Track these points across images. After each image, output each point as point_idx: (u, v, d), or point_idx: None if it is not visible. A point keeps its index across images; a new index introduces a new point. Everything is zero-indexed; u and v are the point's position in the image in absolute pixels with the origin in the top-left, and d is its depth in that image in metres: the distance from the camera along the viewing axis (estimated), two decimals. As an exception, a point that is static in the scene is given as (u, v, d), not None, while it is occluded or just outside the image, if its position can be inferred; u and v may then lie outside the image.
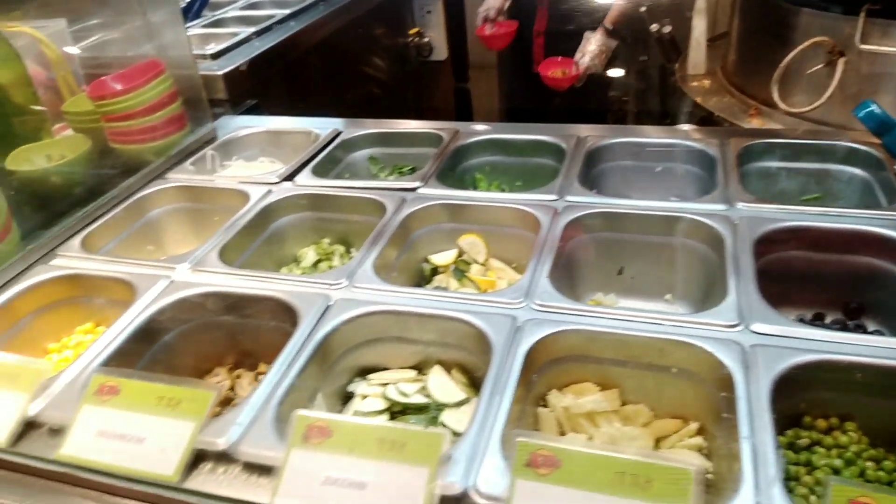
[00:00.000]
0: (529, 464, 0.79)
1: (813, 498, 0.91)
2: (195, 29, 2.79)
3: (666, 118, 4.25)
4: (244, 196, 1.51)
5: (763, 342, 0.99)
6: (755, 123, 2.25)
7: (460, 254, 1.44)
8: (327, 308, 1.16)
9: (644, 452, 0.85)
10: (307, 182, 1.56)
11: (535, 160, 1.70)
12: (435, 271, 1.43)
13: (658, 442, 1.04)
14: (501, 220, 1.42)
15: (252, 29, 2.65)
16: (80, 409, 0.96)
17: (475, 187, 1.69)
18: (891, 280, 1.21)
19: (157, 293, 1.23)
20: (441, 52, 3.93)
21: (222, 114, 2.10)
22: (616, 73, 4.34)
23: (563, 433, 1.06)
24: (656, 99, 4.51)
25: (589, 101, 3.29)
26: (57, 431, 0.97)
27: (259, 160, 1.83)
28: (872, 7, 1.80)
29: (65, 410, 0.98)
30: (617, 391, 1.08)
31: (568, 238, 1.32)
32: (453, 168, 1.66)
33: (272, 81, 2.54)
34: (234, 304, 1.22)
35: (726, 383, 0.95)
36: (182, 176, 1.65)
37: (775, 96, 2.10)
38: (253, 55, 2.44)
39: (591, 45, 2.67)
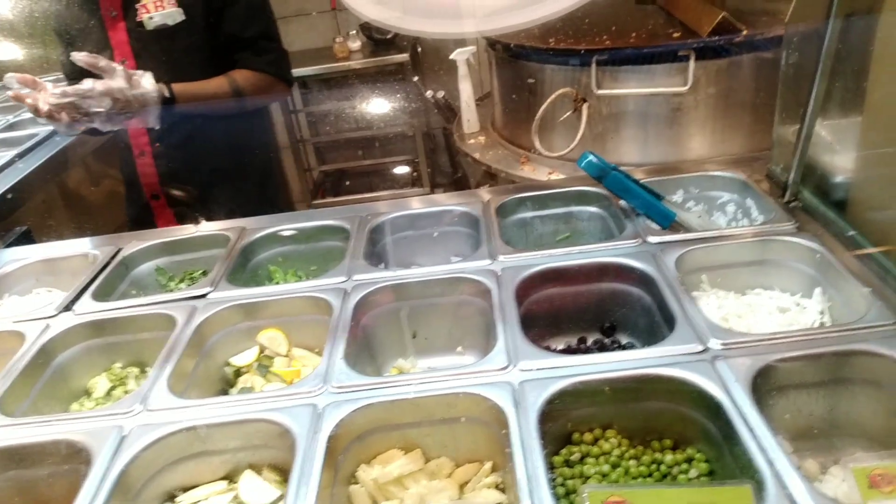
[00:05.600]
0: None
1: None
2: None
3: (455, 174, 4.59)
4: (19, 337, 1.43)
5: (529, 377, 1.14)
6: (527, 170, 2.53)
7: (262, 350, 1.47)
8: (122, 439, 1.13)
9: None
10: (89, 308, 1.51)
11: (325, 243, 1.78)
12: (238, 373, 1.45)
13: (462, 487, 1.14)
14: (296, 309, 1.48)
15: (13, 151, 2.51)
16: None
17: (271, 280, 1.73)
18: (630, 299, 1.44)
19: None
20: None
21: (-14, 247, 1.96)
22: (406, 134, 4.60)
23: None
24: (444, 157, 4.87)
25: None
26: None
27: (34, 292, 1.73)
28: (600, 58, 2.14)
29: None
30: (419, 451, 1.17)
31: (360, 316, 1.41)
32: (244, 266, 1.69)
33: (44, 204, 2.42)
34: (18, 456, 1.15)
35: (504, 421, 1.08)
36: (-56, 329, 1.52)
37: (536, 144, 2.39)
38: (19, 178, 2.32)
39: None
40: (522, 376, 1.15)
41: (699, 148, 2.20)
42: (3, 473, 1.17)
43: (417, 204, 1.83)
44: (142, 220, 2.24)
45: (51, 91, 1.77)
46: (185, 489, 1.17)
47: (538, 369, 1.16)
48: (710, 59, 2.02)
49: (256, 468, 1.18)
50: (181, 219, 2.20)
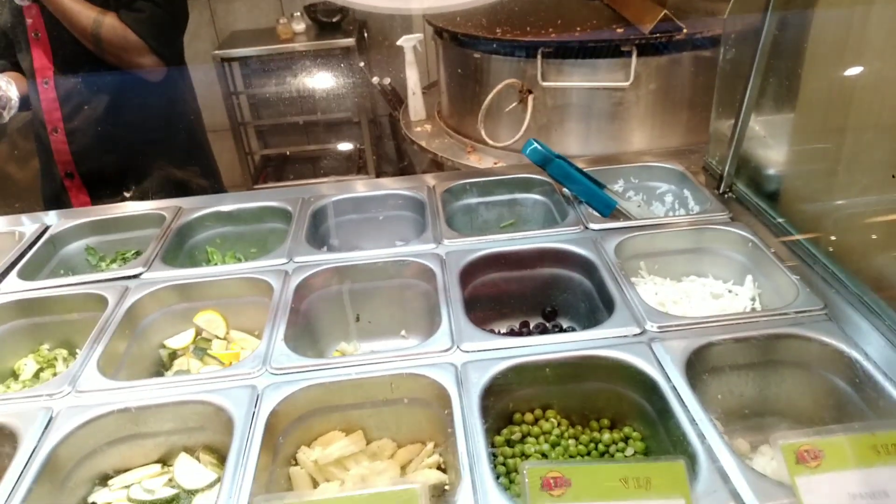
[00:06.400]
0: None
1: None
2: None
3: (401, 162, 4.57)
4: (-62, 318, 1.35)
5: (472, 358, 1.15)
6: (473, 159, 2.54)
7: (199, 332, 1.43)
8: (51, 420, 1.08)
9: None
10: (14, 287, 1.44)
11: (267, 225, 1.74)
12: (174, 356, 1.40)
13: (404, 468, 1.14)
14: (235, 291, 1.44)
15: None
16: None
17: (209, 262, 1.68)
18: (571, 283, 1.46)
19: None
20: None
21: None
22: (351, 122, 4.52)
23: (317, 486, 1.11)
24: (390, 144, 4.83)
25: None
26: None
27: (-47, 272, 1.63)
28: (546, 50, 2.16)
29: None
30: (361, 432, 1.16)
31: (301, 298, 1.39)
32: (180, 246, 1.64)
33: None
34: (-66, 442, 1.09)
35: (447, 401, 1.08)
36: None
37: (482, 134, 2.40)
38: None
39: None
40: (465, 357, 1.15)
41: (639, 141, 2.26)
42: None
43: (362, 187, 1.81)
44: (57, 199, 2.14)
45: None
46: (119, 472, 1.13)
47: (481, 350, 1.17)
48: (652, 55, 2.07)
49: (191, 451, 1.15)
50: (97, 199, 2.10)
